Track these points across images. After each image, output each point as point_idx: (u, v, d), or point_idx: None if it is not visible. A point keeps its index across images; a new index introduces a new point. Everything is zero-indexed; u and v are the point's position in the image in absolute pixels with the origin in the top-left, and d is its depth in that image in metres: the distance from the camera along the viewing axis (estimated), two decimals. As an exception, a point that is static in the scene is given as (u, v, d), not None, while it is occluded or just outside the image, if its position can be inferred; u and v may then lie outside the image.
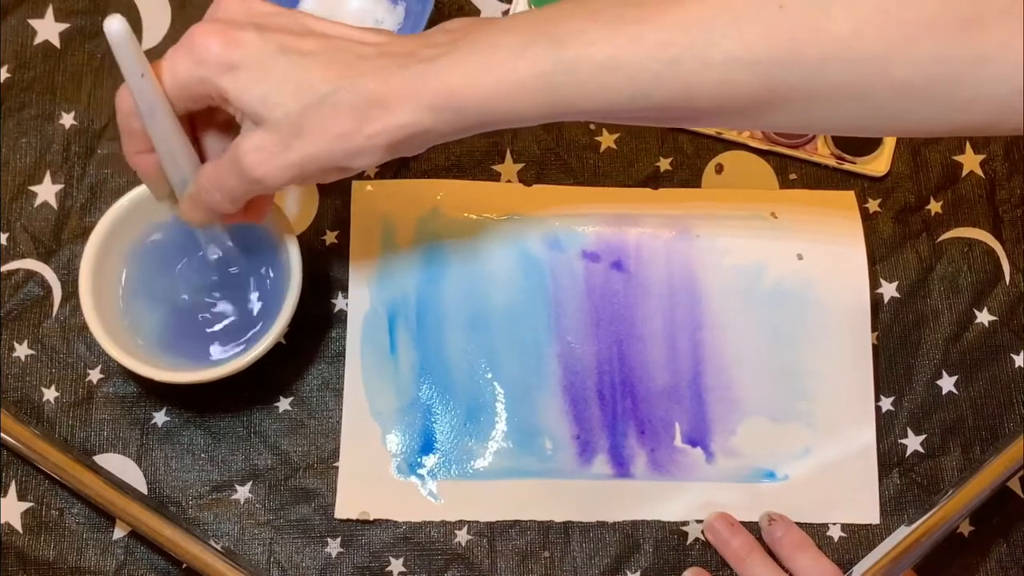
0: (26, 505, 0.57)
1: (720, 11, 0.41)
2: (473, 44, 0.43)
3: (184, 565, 0.55)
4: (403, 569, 0.57)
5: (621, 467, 0.58)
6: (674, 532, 0.58)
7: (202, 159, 0.49)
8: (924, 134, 0.46)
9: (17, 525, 0.57)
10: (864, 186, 0.62)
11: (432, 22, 0.58)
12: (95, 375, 0.59)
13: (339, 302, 0.60)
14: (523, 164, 0.62)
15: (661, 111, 0.43)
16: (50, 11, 0.64)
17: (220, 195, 0.47)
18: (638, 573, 0.57)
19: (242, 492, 0.57)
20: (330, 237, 0.61)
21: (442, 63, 0.43)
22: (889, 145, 0.62)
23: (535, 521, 0.57)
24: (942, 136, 0.60)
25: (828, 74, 0.41)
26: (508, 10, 0.64)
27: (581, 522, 0.57)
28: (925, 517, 0.55)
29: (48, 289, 0.60)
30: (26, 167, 0.61)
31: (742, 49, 0.41)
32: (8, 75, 0.62)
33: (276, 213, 0.55)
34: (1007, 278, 0.61)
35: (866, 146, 0.62)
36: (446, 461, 0.58)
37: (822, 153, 0.62)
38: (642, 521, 0.58)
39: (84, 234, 0.57)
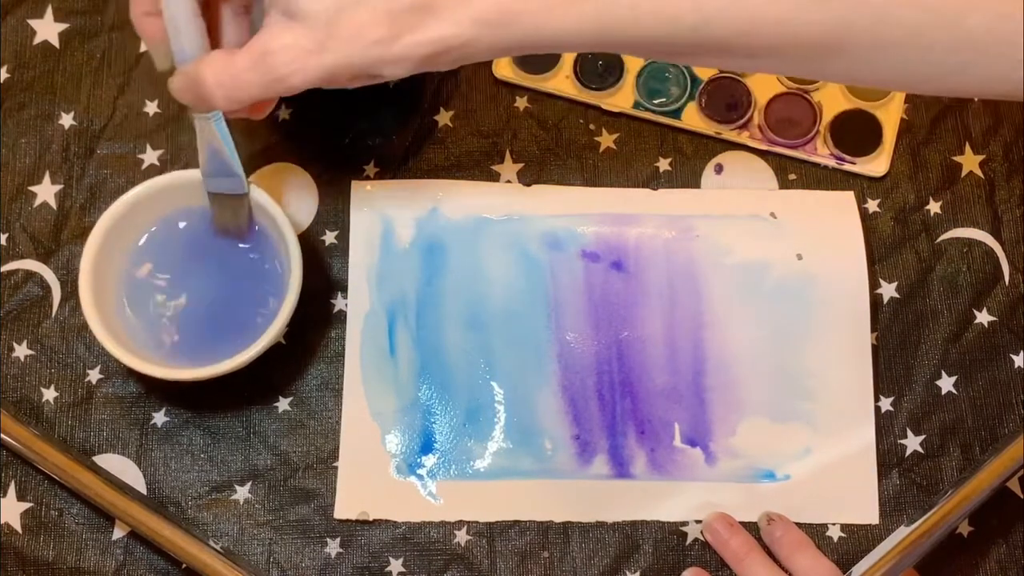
0: (25, 505, 0.57)
1: None
2: None
3: (184, 565, 0.55)
4: (402, 569, 0.57)
5: (620, 467, 0.58)
6: (673, 532, 0.58)
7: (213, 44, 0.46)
8: (977, 94, 0.42)
9: (16, 525, 0.57)
10: (863, 186, 0.62)
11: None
12: (94, 375, 0.59)
13: (339, 302, 0.60)
14: (522, 164, 0.62)
15: (716, 47, 0.41)
16: (49, 11, 0.63)
17: (223, 93, 0.43)
18: (637, 573, 0.57)
19: (241, 492, 0.57)
20: (330, 237, 0.61)
21: None
22: (889, 145, 0.62)
23: (534, 521, 0.57)
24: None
25: (900, 18, 0.39)
26: None
27: (580, 522, 0.57)
28: (924, 517, 0.55)
29: (47, 289, 0.60)
30: (25, 167, 0.61)
31: None
32: (7, 75, 0.62)
33: (275, 212, 0.55)
34: (1006, 278, 0.61)
35: (865, 146, 0.62)
36: (445, 461, 0.58)
37: (821, 153, 0.62)
38: (641, 521, 0.58)
39: (83, 234, 0.57)
